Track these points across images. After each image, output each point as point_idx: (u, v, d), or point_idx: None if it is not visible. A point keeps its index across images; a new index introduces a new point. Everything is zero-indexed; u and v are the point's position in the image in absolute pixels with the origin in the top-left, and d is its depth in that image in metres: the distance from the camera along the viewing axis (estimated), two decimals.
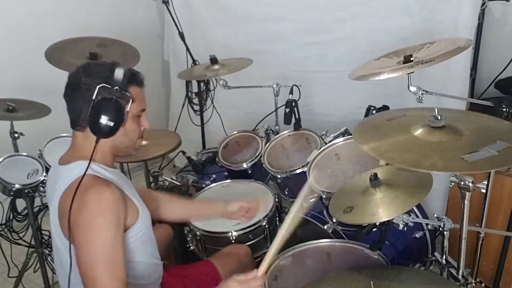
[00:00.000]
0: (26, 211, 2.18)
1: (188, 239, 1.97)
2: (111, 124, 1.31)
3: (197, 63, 3.04)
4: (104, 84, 1.31)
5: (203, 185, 2.35)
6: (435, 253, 1.69)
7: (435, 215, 1.60)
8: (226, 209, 1.80)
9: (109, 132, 1.32)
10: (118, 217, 1.28)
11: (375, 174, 1.51)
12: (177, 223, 1.97)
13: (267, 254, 1.37)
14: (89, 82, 1.31)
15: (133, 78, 1.39)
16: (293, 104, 2.27)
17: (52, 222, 1.35)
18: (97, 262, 1.22)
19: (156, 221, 1.98)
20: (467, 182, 1.39)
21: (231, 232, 1.81)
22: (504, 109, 1.65)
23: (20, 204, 2.18)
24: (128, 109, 1.35)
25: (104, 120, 1.30)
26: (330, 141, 2.12)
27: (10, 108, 2.16)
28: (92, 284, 1.21)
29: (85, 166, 1.30)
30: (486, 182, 1.55)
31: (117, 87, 1.32)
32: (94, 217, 1.24)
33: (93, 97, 1.30)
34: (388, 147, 1.31)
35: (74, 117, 1.37)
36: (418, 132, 1.33)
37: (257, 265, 1.73)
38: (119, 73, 1.33)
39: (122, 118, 1.34)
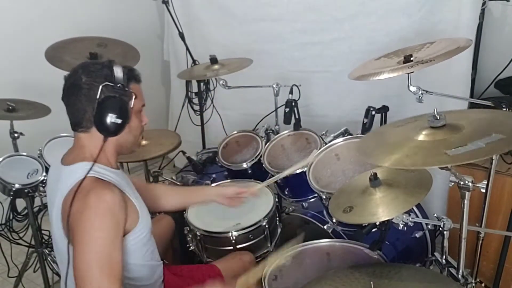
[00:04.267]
0: (26, 211, 2.19)
1: (188, 239, 1.96)
2: (119, 121, 1.31)
3: (197, 63, 3.04)
4: (107, 83, 1.30)
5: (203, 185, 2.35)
6: (435, 253, 1.69)
7: (435, 215, 1.60)
8: (222, 191, 1.82)
9: (117, 129, 1.33)
10: (117, 220, 1.28)
11: (375, 174, 1.51)
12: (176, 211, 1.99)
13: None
14: (90, 82, 1.31)
15: (132, 75, 1.39)
16: (293, 104, 2.27)
17: (55, 223, 1.35)
18: (93, 262, 1.21)
19: (157, 212, 2.00)
20: (466, 182, 1.39)
21: (231, 232, 1.81)
22: (504, 109, 1.66)
23: (20, 204, 2.19)
24: (132, 106, 1.36)
25: (111, 118, 1.30)
26: (330, 141, 2.12)
27: (10, 108, 2.17)
28: (88, 285, 1.20)
29: (88, 167, 1.30)
30: (486, 182, 1.55)
31: (119, 85, 1.32)
32: (93, 219, 1.24)
33: (97, 96, 1.30)
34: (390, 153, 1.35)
35: (77, 119, 1.35)
36: (419, 134, 1.35)
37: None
38: (118, 71, 1.33)
39: (128, 115, 1.35)
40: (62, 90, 1.36)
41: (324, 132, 2.25)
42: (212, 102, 3.11)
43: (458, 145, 1.21)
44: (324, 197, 1.90)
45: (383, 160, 1.30)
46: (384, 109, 2.08)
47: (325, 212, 1.99)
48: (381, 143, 1.45)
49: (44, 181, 2.05)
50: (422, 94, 1.68)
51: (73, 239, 1.26)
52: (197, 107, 3.07)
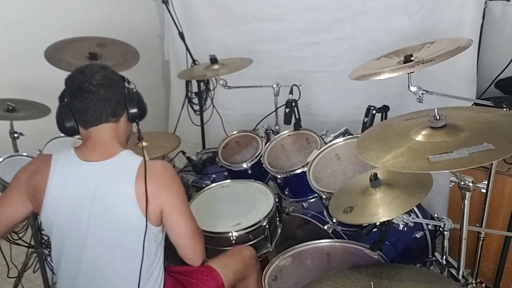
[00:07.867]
0: None
1: None
2: (144, 106, 1.53)
3: (197, 63, 3.04)
4: (125, 76, 1.53)
5: (203, 185, 2.35)
6: (436, 253, 1.69)
7: (435, 215, 1.60)
8: None
9: (143, 112, 1.52)
10: None
11: (375, 174, 1.51)
12: None
13: None
14: (116, 76, 1.50)
15: None
16: (293, 104, 2.27)
17: (120, 209, 1.42)
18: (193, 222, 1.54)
19: None
20: (467, 182, 1.39)
21: (231, 232, 1.81)
22: (505, 109, 1.65)
23: None
24: None
25: (141, 103, 1.51)
26: (330, 141, 2.12)
27: (10, 108, 2.16)
28: (197, 237, 1.54)
29: (132, 153, 1.47)
30: (486, 182, 1.55)
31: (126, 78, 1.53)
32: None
33: (126, 86, 1.50)
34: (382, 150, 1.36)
35: (112, 108, 1.45)
36: (419, 135, 1.34)
37: (261, 267, 1.73)
38: None
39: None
40: (98, 85, 1.42)
41: (324, 132, 2.25)
42: (212, 102, 3.11)
43: (445, 151, 1.22)
44: (324, 197, 1.90)
45: (375, 159, 1.32)
46: (384, 109, 2.07)
47: (325, 212, 1.99)
48: (380, 139, 1.44)
49: None
50: (422, 94, 1.68)
51: (168, 217, 1.45)
52: (197, 107, 3.07)
